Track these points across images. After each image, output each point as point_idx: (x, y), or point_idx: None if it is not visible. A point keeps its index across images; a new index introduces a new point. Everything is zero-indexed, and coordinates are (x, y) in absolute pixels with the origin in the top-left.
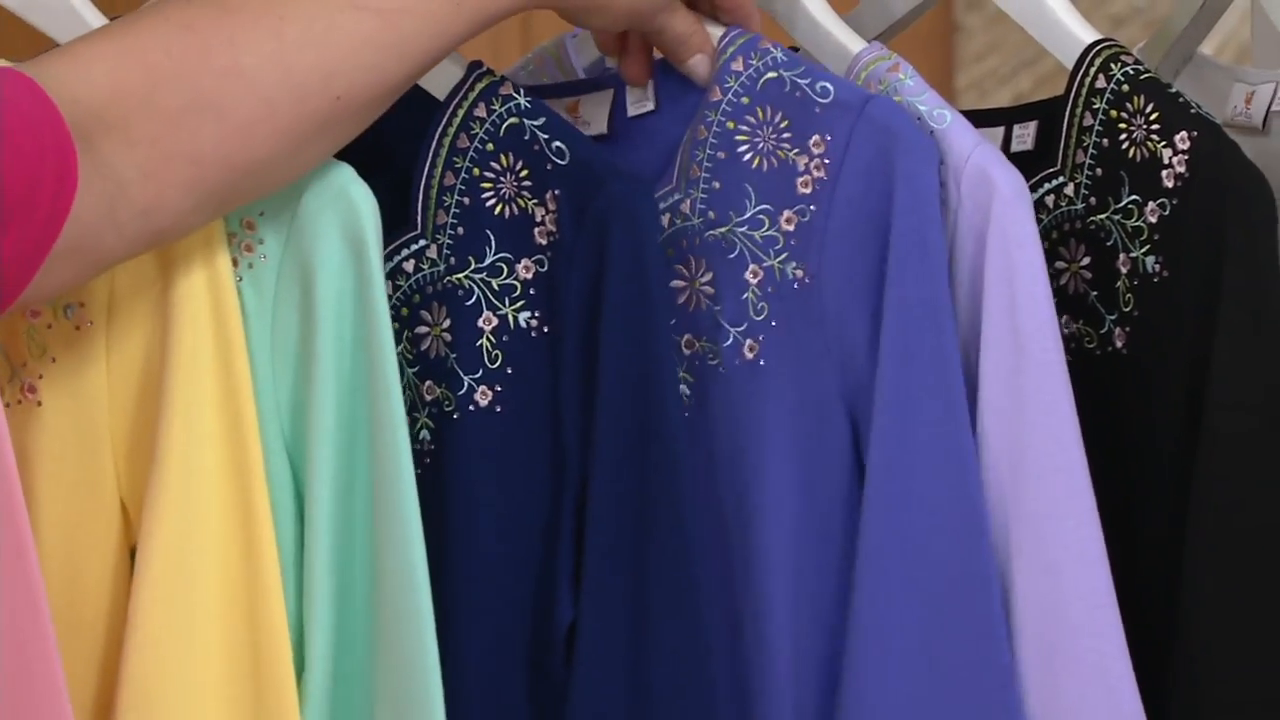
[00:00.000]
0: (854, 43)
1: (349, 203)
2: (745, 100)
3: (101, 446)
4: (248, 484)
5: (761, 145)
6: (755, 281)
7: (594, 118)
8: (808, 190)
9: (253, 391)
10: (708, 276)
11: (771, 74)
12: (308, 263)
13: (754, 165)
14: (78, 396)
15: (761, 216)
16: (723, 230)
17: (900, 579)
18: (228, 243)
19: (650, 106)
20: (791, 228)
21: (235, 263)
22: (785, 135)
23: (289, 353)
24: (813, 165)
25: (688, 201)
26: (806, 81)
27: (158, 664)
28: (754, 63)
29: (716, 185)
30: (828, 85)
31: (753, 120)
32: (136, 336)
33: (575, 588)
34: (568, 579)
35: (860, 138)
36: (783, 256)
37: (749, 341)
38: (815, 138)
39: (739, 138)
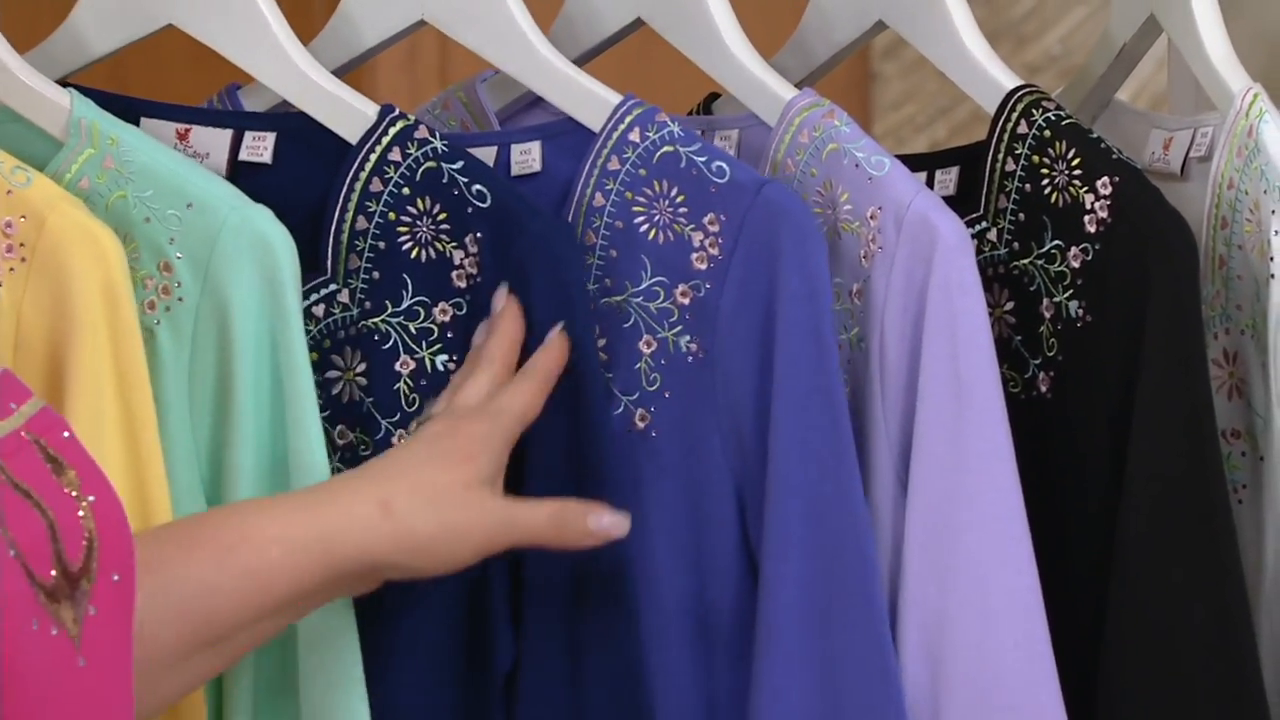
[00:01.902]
0: (785, 89)
1: (266, 245)
2: (642, 172)
3: None
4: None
5: (658, 218)
6: (649, 352)
7: None
8: (703, 266)
9: (159, 445)
10: (601, 343)
11: (668, 148)
12: (225, 304)
13: (650, 237)
14: None
15: (657, 288)
16: (618, 299)
17: (802, 668)
18: (144, 286)
19: (536, 168)
20: (687, 301)
21: (153, 305)
22: (681, 210)
23: (207, 396)
24: (707, 243)
25: None
26: (703, 159)
27: None
28: (650, 135)
29: (613, 254)
30: (724, 165)
31: (649, 193)
32: (37, 383)
33: (515, 631)
34: (506, 623)
35: (755, 220)
36: (677, 329)
37: (640, 411)
38: (710, 216)
39: (636, 209)
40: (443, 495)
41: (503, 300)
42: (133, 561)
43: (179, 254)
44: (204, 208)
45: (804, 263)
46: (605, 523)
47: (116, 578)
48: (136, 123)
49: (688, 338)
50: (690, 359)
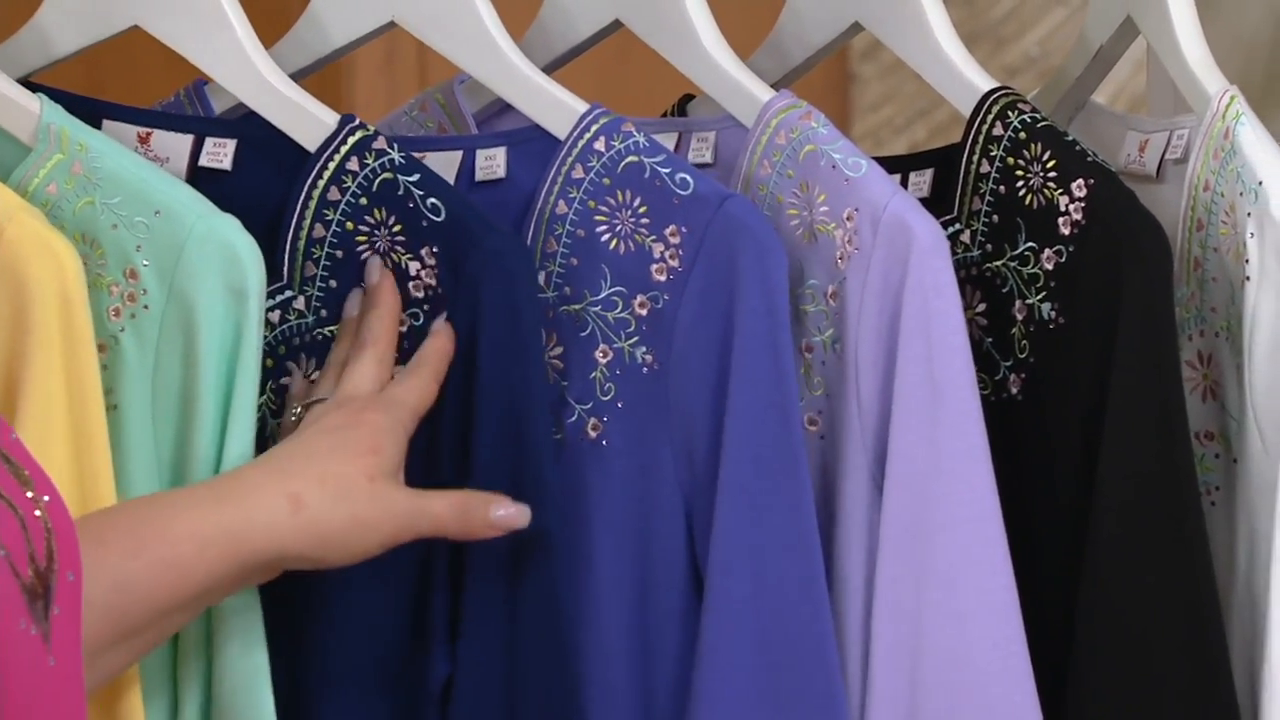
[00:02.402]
0: (762, 90)
1: (233, 254)
2: (606, 181)
3: None
4: None
5: (620, 228)
6: (604, 361)
7: None
8: (662, 278)
9: (109, 456)
10: (557, 351)
11: (632, 158)
12: (190, 313)
13: (611, 246)
14: None
15: (615, 298)
16: (576, 307)
17: (744, 684)
18: (109, 292)
19: (500, 174)
20: (644, 312)
21: (118, 312)
22: (643, 221)
23: (170, 404)
24: (668, 254)
25: (542, 274)
26: (667, 170)
27: None
28: (616, 144)
29: (574, 262)
30: (687, 177)
31: (612, 202)
32: None
33: (451, 641)
34: (443, 632)
35: (716, 233)
36: (633, 340)
37: (593, 420)
38: (672, 227)
39: (598, 218)
40: (350, 488)
41: (376, 273)
42: (80, 560)
43: (145, 261)
44: (171, 215)
45: (764, 279)
46: (504, 514)
47: (71, 576)
48: (98, 125)
49: (644, 349)
50: (645, 370)
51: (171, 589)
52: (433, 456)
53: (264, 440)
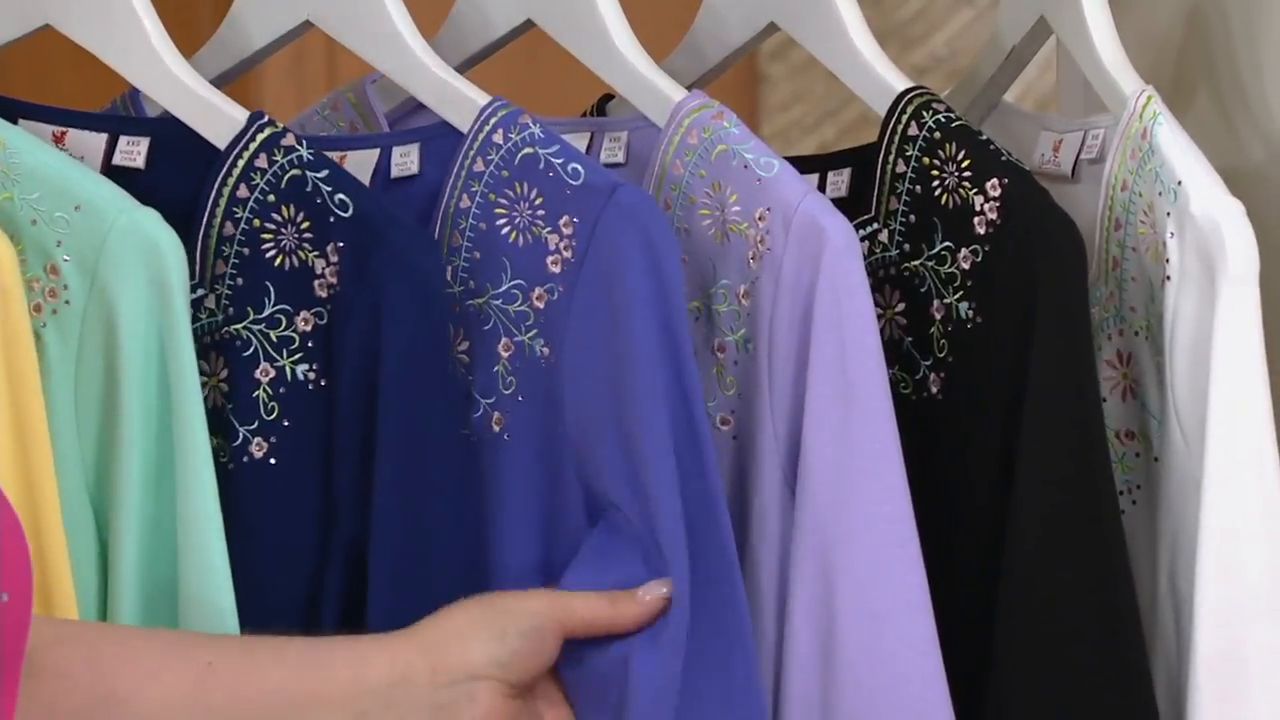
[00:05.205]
0: (674, 90)
1: (155, 248)
2: (505, 174)
3: None
4: (42, 536)
5: (518, 220)
6: (506, 355)
7: (356, 175)
8: (557, 269)
9: (50, 450)
10: (464, 345)
11: (528, 150)
12: (112, 308)
13: (511, 239)
14: None
15: (516, 291)
16: (480, 301)
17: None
18: (30, 288)
19: (414, 170)
20: (542, 305)
21: (39, 308)
22: (540, 212)
23: (93, 399)
24: (562, 245)
25: (448, 269)
26: (560, 161)
27: None
28: (513, 136)
29: (477, 255)
30: (578, 167)
31: (511, 194)
32: None
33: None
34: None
35: (607, 223)
36: (533, 333)
37: (496, 414)
38: (565, 218)
39: (498, 210)
40: None
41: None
42: (29, 581)
43: (66, 257)
44: (92, 210)
45: (654, 266)
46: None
47: (5, 597)
48: (14, 124)
49: (541, 341)
50: (542, 363)
51: None
52: (331, 449)
53: None
